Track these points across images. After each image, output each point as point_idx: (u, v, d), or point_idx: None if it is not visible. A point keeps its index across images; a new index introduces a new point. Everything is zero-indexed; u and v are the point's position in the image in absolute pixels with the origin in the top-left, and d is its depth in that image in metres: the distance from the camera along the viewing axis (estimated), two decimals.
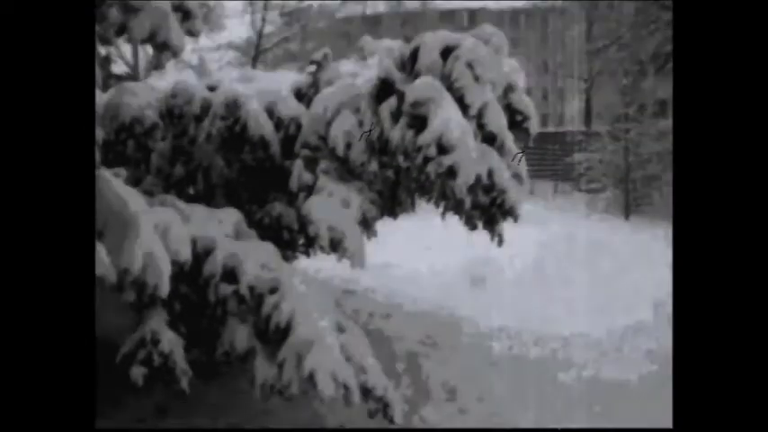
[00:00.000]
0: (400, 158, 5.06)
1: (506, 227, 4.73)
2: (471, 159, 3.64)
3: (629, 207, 16.49)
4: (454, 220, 4.98)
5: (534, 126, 4.96)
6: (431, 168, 3.60)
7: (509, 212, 5.21)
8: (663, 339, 6.14)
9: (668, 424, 2.14)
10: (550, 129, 33.28)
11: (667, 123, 17.43)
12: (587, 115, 27.60)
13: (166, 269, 3.19)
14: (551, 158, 22.60)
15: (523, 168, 4.85)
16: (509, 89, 4.72)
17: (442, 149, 3.54)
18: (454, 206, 5.49)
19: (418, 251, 9.36)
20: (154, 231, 3.24)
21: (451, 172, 3.54)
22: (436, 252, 9.24)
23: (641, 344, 6.60)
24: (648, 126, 17.40)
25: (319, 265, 6.93)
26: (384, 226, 5.20)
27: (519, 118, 4.87)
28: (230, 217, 4.31)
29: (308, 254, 5.93)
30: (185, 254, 3.59)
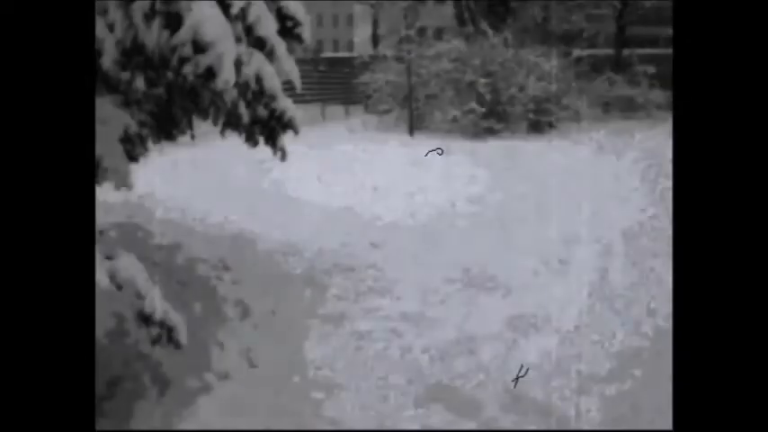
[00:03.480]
0: (169, 74, 4.63)
1: None
2: (233, 61, 3.42)
3: (413, 125, 17.54)
4: None
5: (307, 33, 4.83)
6: (188, 70, 3.30)
7: (288, 125, 5.14)
8: None
9: None
10: (341, 54, 33.44)
11: (445, 45, 18.63)
12: (374, 39, 28.31)
13: None
14: (343, 82, 22.91)
15: (296, 76, 4.75)
16: None
17: (199, 48, 3.25)
18: (233, 122, 5.26)
19: None
20: None
21: (211, 73, 3.29)
22: None
23: None
24: (427, 48, 18.47)
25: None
26: None
27: (290, 24, 4.70)
28: None
29: None
30: None
